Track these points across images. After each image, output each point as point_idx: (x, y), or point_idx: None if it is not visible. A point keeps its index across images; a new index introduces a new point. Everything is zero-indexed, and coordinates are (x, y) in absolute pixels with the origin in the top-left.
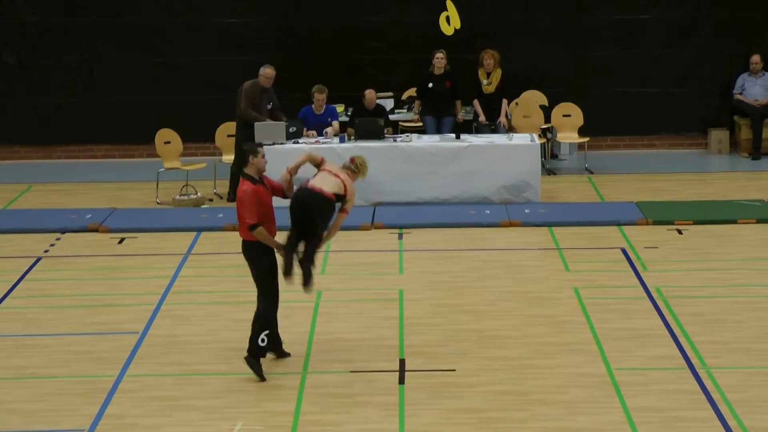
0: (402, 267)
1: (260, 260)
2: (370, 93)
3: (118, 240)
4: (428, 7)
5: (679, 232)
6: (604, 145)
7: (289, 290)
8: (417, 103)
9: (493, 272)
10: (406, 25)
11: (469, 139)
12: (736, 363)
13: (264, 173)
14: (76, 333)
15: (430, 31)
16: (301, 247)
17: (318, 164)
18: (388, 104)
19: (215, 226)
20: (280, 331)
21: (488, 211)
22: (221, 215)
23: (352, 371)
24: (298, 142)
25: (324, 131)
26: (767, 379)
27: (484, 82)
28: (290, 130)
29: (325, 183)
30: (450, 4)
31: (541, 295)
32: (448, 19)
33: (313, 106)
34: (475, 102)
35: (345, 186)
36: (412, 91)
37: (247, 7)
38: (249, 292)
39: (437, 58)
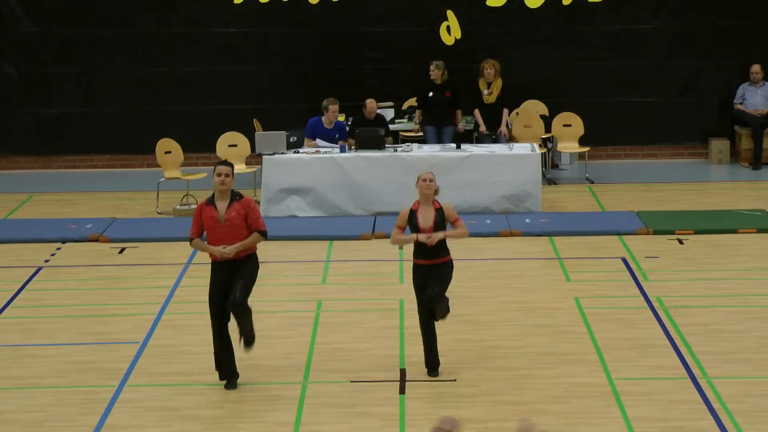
0: (402, 277)
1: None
2: (371, 102)
3: (119, 250)
4: (429, 18)
5: (680, 241)
6: (605, 154)
7: (289, 300)
8: (417, 112)
9: (494, 282)
10: (407, 35)
11: (470, 149)
12: (737, 373)
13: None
14: (76, 343)
15: (430, 41)
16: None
17: None
18: (389, 114)
19: None
20: (282, 340)
21: (489, 221)
22: None
23: (352, 381)
24: (298, 152)
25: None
26: None
27: (485, 92)
28: (291, 139)
29: None
30: (450, 14)
31: (541, 305)
32: (448, 29)
33: (323, 118)
34: (476, 112)
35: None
36: (412, 101)
37: (247, 18)
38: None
39: (430, 70)
